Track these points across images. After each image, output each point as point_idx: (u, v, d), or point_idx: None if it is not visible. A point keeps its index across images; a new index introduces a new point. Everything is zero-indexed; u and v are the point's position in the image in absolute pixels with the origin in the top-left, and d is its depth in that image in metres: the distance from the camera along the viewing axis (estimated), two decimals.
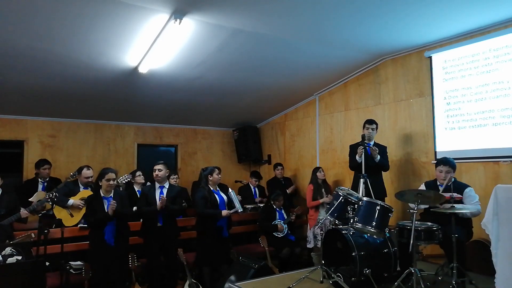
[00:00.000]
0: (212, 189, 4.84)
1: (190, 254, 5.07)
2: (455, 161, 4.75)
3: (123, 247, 4.34)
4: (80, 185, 5.15)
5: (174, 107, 6.70)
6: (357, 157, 4.71)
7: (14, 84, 5.12)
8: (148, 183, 6.05)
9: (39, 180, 5.52)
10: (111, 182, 4.26)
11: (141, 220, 4.89)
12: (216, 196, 4.83)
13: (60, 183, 5.65)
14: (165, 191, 4.72)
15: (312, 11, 4.07)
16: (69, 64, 4.75)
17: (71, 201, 4.93)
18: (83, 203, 4.94)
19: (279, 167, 6.87)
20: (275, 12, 4.05)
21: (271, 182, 6.92)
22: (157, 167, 4.73)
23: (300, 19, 4.26)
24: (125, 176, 5.38)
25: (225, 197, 4.92)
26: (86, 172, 5.11)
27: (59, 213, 4.90)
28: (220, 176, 4.92)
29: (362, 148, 4.56)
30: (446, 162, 4.16)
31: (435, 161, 4.34)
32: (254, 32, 4.49)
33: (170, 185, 4.87)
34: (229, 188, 5.02)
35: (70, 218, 4.94)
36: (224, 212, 4.72)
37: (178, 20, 3.89)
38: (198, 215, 4.97)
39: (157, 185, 4.75)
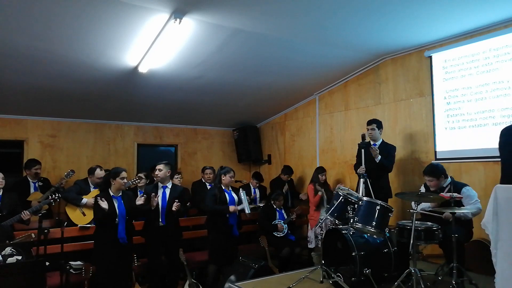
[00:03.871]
0: (223, 188, 4.84)
1: (190, 254, 5.08)
2: (455, 161, 4.75)
3: (132, 245, 4.35)
4: (91, 185, 5.19)
5: (174, 107, 6.70)
6: (357, 171, 4.74)
7: (14, 84, 5.12)
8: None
9: (30, 180, 5.48)
10: (125, 180, 4.29)
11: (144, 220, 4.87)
12: (226, 194, 4.84)
13: (49, 183, 5.66)
14: (167, 191, 4.71)
15: (312, 11, 4.07)
16: (69, 64, 4.75)
17: (85, 199, 4.95)
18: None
19: (285, 176, 6.70)
20: (275, 12, 4.05)
21: (274, 182, 6.90)
22: (158, 167, 4.71)
23: (300, 19, 4.26)
24: (136, 178, 5.46)
25: (236, 197, 4.92)
26: (99, 173, 5.18)
27: (73, 212, 4.91)
28: (233, 179, 4.93)
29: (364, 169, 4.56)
30: (428, 172, 4.14)
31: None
32: (254, 32, 4.49)
33: (173, 185, 4.86)
34: (240, 189, 5.00)
35: (83, 217, 4.96)
36: (232, 208, 4.70)
37: (178, 19, 3.89)
38: (208, 213, 4.99)
39: (159, 185, 4.73)
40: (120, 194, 4.27)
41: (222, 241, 4.73)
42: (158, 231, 4.60)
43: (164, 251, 4.66)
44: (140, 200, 4.33)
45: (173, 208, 4.55)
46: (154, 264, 4.62)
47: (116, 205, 4.16)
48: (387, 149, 4.93)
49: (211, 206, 4.77)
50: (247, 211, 4.82)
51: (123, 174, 4.24)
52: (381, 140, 5.00)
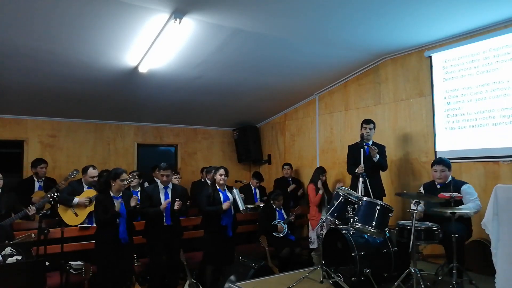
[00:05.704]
0: (218, 188, 4.83)
1: (190, 254, 5.07)
2: (455, 161, 4.75)
3: (132, 245, 4.35)
4: (84, 185, 5.15)
5: (174, 107, 6.70)
6: (356, 170, 4.73)
7: (14, 84, 5.12)
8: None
9: (35, 179, 5.49)
10: (126, 182, 4.29)
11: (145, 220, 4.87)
12: (221, 194, 4.81)
13: (55, 182, 5.66)
14: (169, 191, 4.73)
15: (312, 11, 4.07)
16: (69, 64, 4.75)
17: (76, 199, 4.92)
18: (89, 200, 4.95)
19: (286, 167, 6.83)
20: (275, 12, 4.05)
21: (278, 181, 6.91)
22: (165, 172, 4.68)
23: (300, 19, 4.26)
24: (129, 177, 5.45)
25: (230, 197, 4.89)
26: (92, 172, 5.13)
27: (65, 212, 4.90)
28: (222, 177, 4.82)
29: (362, 168, 4.58)
30: (440, 161, 4.20)
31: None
32: (254, 32, 4.49)
33: (173, 185, 4.87)
34: (233, 188, 5.00)
35: (75, 218, 4.94)
36: (225, 205, 4.67)
37: (178, 19, 3.89)
38: (202, 213, 4.99)
39: (161, 186, 4.74)
40: (120, 194, 4.28)
41: (215, 242, 4.72)
42: (164, 231, 4.61)
43: (166, 251, 4.66)
44: (133, 202, 4.28)
45: (175, 207, 4.57)
46: (155, 264, 4.62)
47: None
48: (381, 149, 4.96)
49: (204, 208, 4.77)
50: (241, 207, 4.81)
51: (124, 175, 4.26)
52: (371, 140, 5.01)
